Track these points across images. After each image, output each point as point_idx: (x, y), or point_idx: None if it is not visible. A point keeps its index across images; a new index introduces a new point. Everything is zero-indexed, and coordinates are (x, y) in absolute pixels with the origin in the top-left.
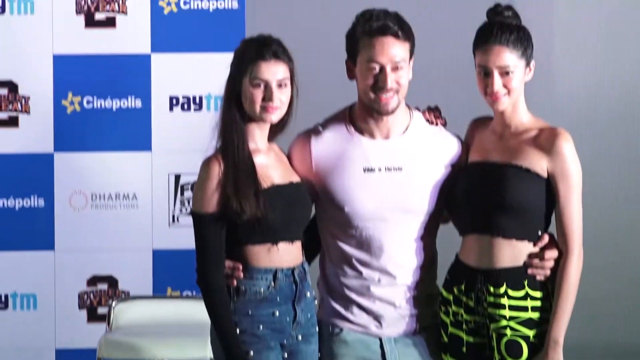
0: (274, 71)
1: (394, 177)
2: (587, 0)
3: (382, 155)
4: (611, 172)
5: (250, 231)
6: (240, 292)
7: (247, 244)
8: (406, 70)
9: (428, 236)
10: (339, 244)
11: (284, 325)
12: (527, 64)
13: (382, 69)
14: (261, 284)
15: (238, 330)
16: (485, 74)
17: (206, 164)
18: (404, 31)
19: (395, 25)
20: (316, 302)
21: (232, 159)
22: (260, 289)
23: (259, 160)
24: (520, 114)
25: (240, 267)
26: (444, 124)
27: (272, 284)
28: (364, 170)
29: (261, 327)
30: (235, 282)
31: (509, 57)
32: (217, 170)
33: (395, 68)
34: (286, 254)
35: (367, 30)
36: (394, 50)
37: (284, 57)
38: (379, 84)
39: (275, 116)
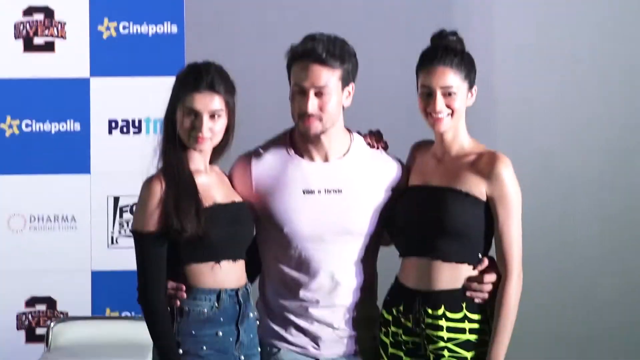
0: (206, 102)
1: (333, 199)
2: (528, 26)
3: (322, 177)
4: (553, 195)
5: (192, 250)
6: (183, 312)
7: (190, 263)
8: (333, 96)
9: (368, 258)
10: (279, 265)
11: (227, 346)
12: (470, 88)
13: (305, 93)
14: (205, 304)
15: (181, 351)
16: (428, 95)
17: (148, 183)
18: (333, 56)
19: (323, 51)
20: (258, 322)
21: (173, 178)
22: (203, 310)
23: (201, 180)
24: (461, 138)
25: (184, 288)
26: (385, 148)
27: (216, 304)
28: (304, 192)
29: (204, 347)
30: (178, 303)
31: (452, 78)
32: (158, 189)
33: (320, 93)
34: (230, 274)
35: (293, 54)
36: (316, 75)
37: (220, 88)
38: (301, 108)
39: (204, 146)
